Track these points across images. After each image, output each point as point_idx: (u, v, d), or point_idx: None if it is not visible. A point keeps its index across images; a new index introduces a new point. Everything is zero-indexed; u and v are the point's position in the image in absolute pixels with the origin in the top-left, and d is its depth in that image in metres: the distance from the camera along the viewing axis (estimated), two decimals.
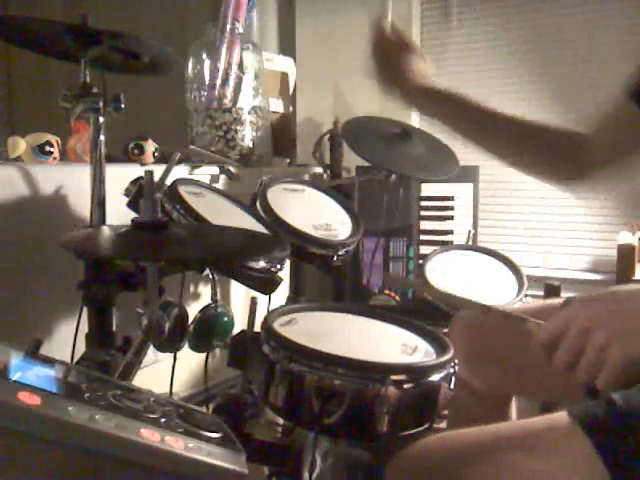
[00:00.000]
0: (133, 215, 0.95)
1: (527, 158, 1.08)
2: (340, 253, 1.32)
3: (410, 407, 0.87)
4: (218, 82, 1.76)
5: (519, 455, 0.73)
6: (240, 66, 1.79)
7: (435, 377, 0.88)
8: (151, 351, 1.01)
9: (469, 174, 2.04)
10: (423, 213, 2.09)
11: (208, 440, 0.66)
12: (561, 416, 0.74)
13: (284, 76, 2.12)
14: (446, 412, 1.16)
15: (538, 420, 0.76)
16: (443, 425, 1.24)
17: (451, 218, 2.08)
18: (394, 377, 0.84)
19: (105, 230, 0.99)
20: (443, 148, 1.71)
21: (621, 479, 0.66)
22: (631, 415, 0.70)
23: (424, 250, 2.02)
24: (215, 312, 1.30)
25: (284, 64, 2.14)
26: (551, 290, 1.62)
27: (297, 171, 2.05)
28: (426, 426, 0.90)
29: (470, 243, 1.78)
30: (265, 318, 0.98)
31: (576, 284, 2.06)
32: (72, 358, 1.11)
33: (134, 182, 1.21)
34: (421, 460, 0.78)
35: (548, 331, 0.73)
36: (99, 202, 1.16)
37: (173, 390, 1.25)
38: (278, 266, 1.18)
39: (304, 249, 1.29)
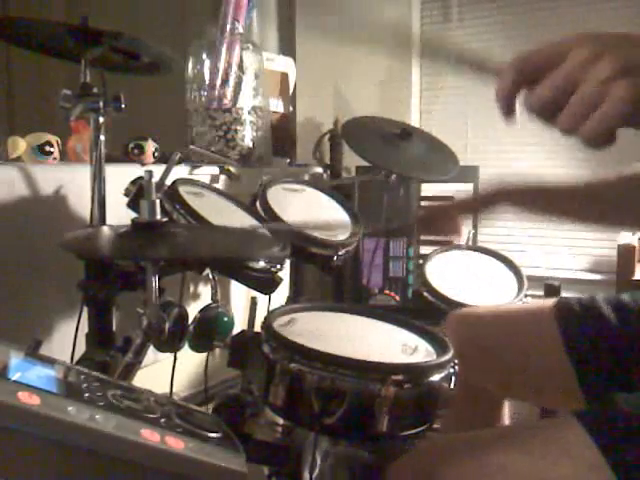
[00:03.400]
0: (133, 215, 0.95)
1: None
2: (340, 253, 1.32)
3: (410, 407, 0.87)
4: (218, 82, 1.76)
5: (523, 458, 0.72)
6: (240, 66, 1.79)
7: (435, 377, 0.88)
8: (151, 351, 1.01)
9: (469, 174, 2.03)
10: None
11: (208, 440, 0.66)
12: (566, 419, 0.73)
13: (284, 76, 2.12)
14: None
15: (542, 423, 0.76)
16: None
17: None
18: (394, 377, 0.84)
19: (105, 230, 0.99)
20: (443, 148, 1.71)
21: None
22: (637, 419, 0.70)
23: (424, 250, 2.01)
24: (215, 312, 1.30)
25: (284, 64, 2.14)
26: (551, 290, 1.62)
27: (297, 171, 2.04)
28: (426, 426, 0.90)
29: (470, 243, 1.78)
30: (265, 318, 0.97)
31: (576, 284, 2.05)
32: (72, 358, 1.11)
33: (134, 182, 1.21)
34: (421, 464, 0.78)
35: (529, 59, 0.55)
36: (99, 202, 1.16)
37: (173, 390, 1.25)
38: (278, 266, 1.18)
39: (304, 249, 1.28)
